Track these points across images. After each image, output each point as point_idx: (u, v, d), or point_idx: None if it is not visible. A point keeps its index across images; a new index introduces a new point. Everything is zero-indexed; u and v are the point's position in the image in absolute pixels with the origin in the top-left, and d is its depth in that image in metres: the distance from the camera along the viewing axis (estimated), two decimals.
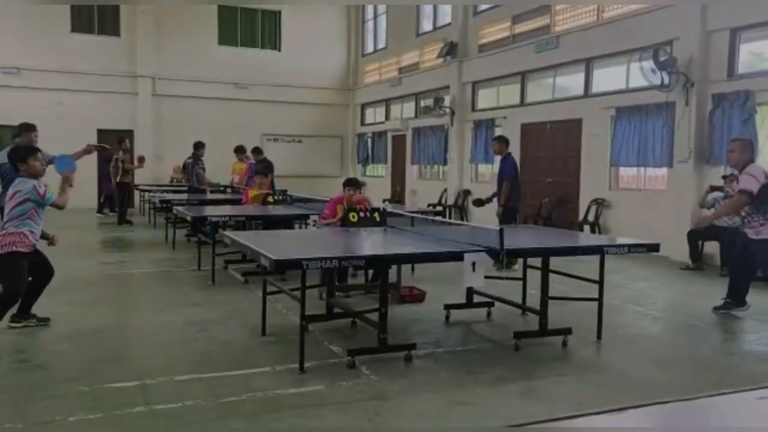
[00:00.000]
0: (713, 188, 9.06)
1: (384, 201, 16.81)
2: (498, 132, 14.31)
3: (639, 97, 10.63)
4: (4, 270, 5.14)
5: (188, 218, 8.45)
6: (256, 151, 13.60)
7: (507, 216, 9.05)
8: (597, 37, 11.55)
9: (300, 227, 8.92)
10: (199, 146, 12.53)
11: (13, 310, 5.35)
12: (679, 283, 8.16)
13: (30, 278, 5.36)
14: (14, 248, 5.13)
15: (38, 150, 5.58)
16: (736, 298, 6.15)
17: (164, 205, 11.17)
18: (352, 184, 7.12)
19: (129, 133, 18.16)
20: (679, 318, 6.27)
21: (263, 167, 13.00)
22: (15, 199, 5.19)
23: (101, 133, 17.11)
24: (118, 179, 14.11)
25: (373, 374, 4.40)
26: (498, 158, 9.72)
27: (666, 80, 9.79)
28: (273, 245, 4.92)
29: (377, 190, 19.29)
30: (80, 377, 4.26)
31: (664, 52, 9.81)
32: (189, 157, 12.68)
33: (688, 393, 4.02)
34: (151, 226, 13.55)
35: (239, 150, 13.43)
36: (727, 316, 6.11)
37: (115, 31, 18.37)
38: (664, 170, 10.53)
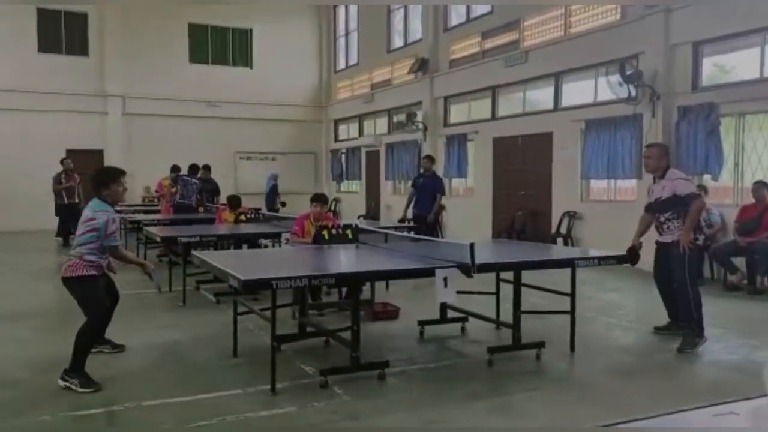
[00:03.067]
0: None
1: (359, 217, 16.80)
2: (470, 146, 14.45)
3: (607, 110, 10.79)
4: (83, 295, 4.76)
5: (158, 239, 8.30)
6: (206, 168, 13.42)
7: (417, 221, 10.28)
8: (565, 52, 11.72)
9: (273, 245, 8.84)
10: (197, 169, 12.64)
11: None
12: (649, 294, 8.21)
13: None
14: (86, 272, 4.75)
15: (123, 173, 5.09)
16: (699, 326, 5.53)
17: (135, 226, 10.99)
18: (319, 199, 7.12)
19: (99, 153, 17.99)
20: (649, 328, 6.31)
21: (214, 188, 12.93)
22: (88, 225, 4.78)
23: (70, 153, 16.84)
24: (65, 201, 13.89)
25: (346, 394, 4.35)
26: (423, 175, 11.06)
27: (633, 93, 9.96)
28: (243, 265, 4.87)
29: (352, 205, 19.28)
30: (42, 406, 4.13)
31: (630, 66, 9.99)
32: (185, 174, 12.55)
33: (656, 404, 4.03)
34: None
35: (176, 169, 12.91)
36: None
37: (83, 51, 18.17)
38: (633, 182, 10.68)
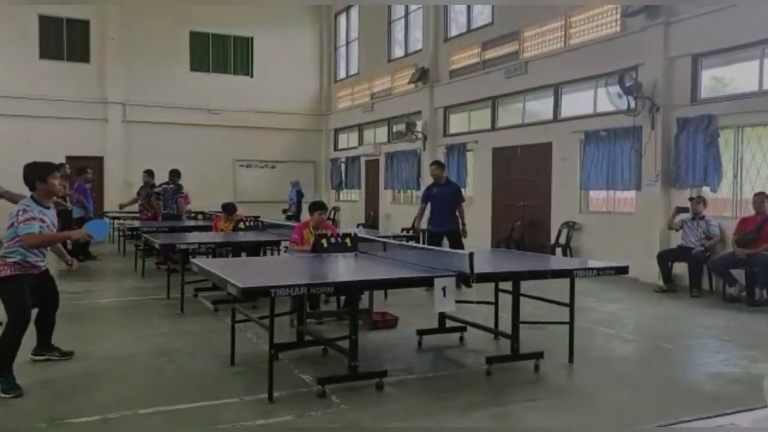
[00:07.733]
0: (679, 209, 9.22)
1: (358, 226, 16.79)
2: (470, 156, 14.47)
3: (607, 121, 10.81)
4: (6, 297, 4.62)
5: (156, 246, 8.29)
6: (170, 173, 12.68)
7: (433, 241, 9.13)
8: (564, 63, 11.77)
9: (271, 253, 8.83)
10: (177, 174, 12.37)
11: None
12: (648, 305, 8.23)
13: (37, 308, 4.93)
14: (10, 272, 4.62)
15: (57, 167, 5.07)
16: None
17: (133, 233, 10.99)
18: (319, 207, 7.14)
19: (99, 160, 18.00)
20: (648, 340, 6.31)
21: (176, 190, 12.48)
22: (10, 219, 4.68)
23: (70, 160, 16.83)
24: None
25: (344, 403, 4.32)
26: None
27: (632, 105, 9.98)
28: (241, 273, 4.86)
29: (351, 214, 19.27)
30: (38, 412, 4.11)
31: (630, 78, 10.01)
32: (164, 183, 12.45)
33: (656, 416, 3.99)
34: (120, 254, 13.33)
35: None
36: (693, 337, 6.13)
37: (84, 58, 18.23)
38: (632, 193, 10.68)
